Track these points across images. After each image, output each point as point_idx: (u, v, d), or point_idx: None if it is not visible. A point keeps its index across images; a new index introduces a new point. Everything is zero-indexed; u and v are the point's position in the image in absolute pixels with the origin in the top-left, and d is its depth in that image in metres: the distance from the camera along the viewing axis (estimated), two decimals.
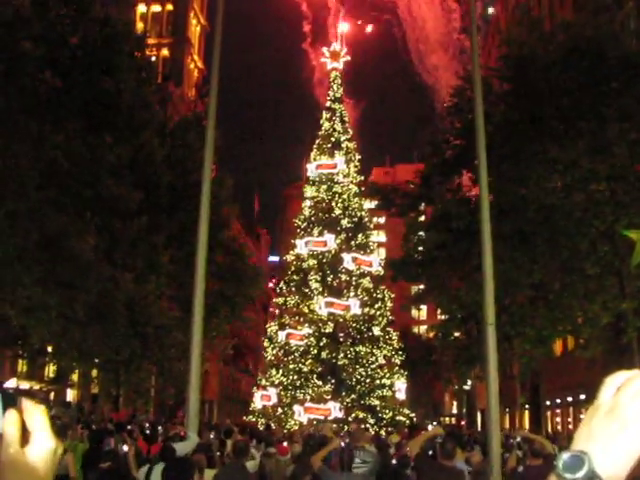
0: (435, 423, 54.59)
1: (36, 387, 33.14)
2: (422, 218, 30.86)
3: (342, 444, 12.71)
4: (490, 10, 66.14)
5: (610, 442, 1.05)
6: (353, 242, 39.00)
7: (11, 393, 1.18)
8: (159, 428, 21.44)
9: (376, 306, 38.23)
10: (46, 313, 22.81)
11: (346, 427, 29.08)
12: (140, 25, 66.78)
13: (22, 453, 1.15)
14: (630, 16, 30.03)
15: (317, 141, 41.44)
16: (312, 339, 36.82)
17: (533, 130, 23.58)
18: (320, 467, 9.47)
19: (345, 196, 39.79)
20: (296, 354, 36.70)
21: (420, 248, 29.66)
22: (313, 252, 38.66)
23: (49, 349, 27.98)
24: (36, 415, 1.19)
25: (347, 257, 38.27)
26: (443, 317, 31.01)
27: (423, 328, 76.62)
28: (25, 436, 1.17)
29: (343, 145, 40.85)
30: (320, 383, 35.92)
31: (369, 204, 41.51)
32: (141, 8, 78.23)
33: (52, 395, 35.86)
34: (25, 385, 31.49)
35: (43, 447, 1.17)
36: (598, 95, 22.29)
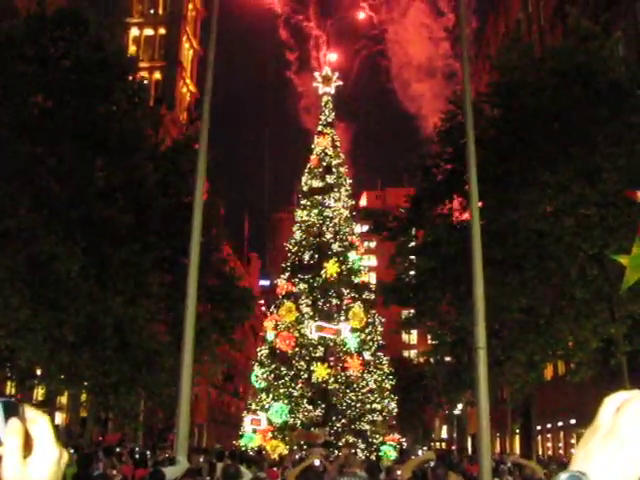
0: (425, 448, 54.40)
1: None
2: (413, 243, 30.86)
3: (317, 462, 12.64)
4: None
5: (609, 463, 1.05)
6: (344, 266, 38.96)
7: (14, 402, 1.15)
8: (147, 452, 21.33)
9: (367, 330, 38.14)
10: (34, 335, 22.67)
11: (336, 452, 28.93)
12: (133, 49, 67.02)
13: (24, 465, 1.13)
14: (619, 43, 30.33)
15: (308, 165, 41.54)
16: (302, 363, 36.69)
17: (524, 155, 23.68)
18: None
19: (336, 220, 39.82)
20: (286, 378, 36.54)
21: (411, 272, 29.67)
22: (304, 276, 38.62)
23: (38, 371, 27.78)
24: (40, 424, 1.17)
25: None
26: (433, 342, 30.96)
27: (414, 352, 76.51)
28: (28, 446, 1.14)
29: (334, 169, 40.95)
30: (310, 407, 35.76)
31: (360, 228, 41.58)
32: (134, 32, 78.52)
33: None
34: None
35: (47, 457, 1.15)
36: (588, 120, 22.42)
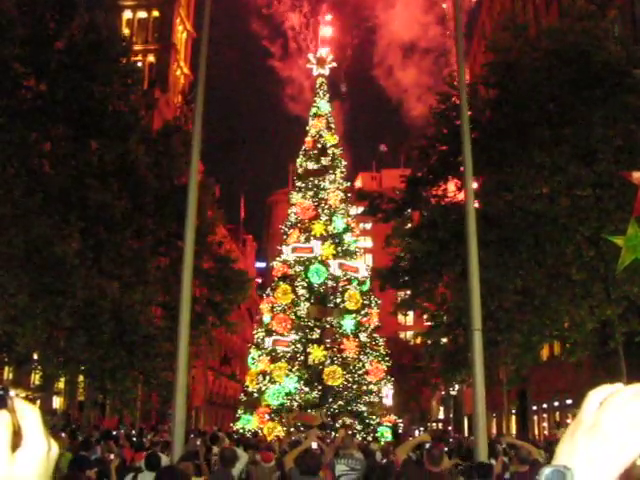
0: (422, 429, 54.65)
1: (22, 394, 32.87)
2: (409, 225, 30.84)
3: (314, 445, 12.69)
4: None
5: (592, 457, 1.05)
6: (339, 248, 38.98)
7: (1, 394, 1.13)
8: (147, 436, 21.38)
9: (362, 312, 38.20)
10: (32, 320, 22.69)
11: (333, 433, 29.03)
12: (126, 31, 66.62)
13: (12, 459, 1.10)
14: (614, 23, 30.21)
15: (303, 147, 41.45)
16: (299, 345, 36.75)
17: (519, 136, 23.64)
18: (291, 468, 9.40)
19: (331, 202, 39.77)
20: (283, 360, 36.60)
21: (407, 255, 29.64)
22: (299, 258, 38.62)
23: (35, 356, 27.83)
24: (29, 416, 1.14)
25: (333, 263, 38.27)
26: (429, 323, 31.02)
27: (410, 333, 76.71)
28: (17, 439, 1.11)
29: (329, 151, 40.86)
30: (307, 389, 35.85)
31: (355, 210, 41.52)
32: (127, 14, 78.13)
33: (38, 402, 35.65)
34: (11, 392, 31.17)
35: (36, 451, 1.12)
36: (583, 101, 22.37)
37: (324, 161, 40.48)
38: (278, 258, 39.90)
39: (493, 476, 10.08)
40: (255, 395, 36.76)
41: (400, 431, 36.08)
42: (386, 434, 33.91)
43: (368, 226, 71.67)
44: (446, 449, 15.45)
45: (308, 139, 41.39)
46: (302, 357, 36.62)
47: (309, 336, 37.00)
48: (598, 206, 22.20)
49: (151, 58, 75.97)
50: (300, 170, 41.03)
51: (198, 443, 18.42)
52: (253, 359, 38.27)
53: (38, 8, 25.40)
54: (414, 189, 28.56)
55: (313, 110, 42.24)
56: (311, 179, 40.29)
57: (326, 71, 43.21)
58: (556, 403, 39.10)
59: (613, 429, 1.04)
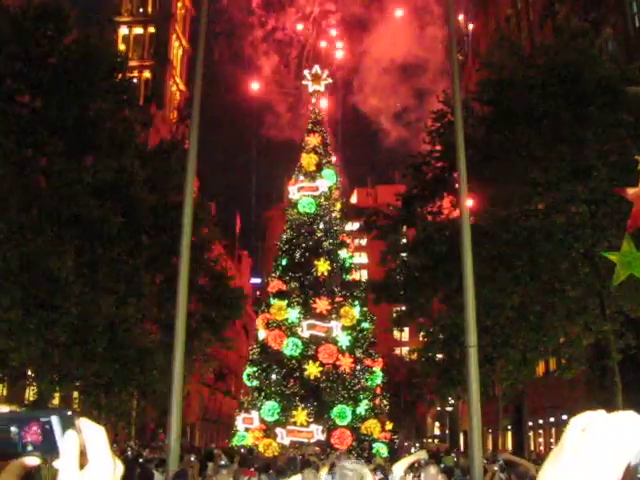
0: (418, 445, 54.50)
1: (16, 411, 32.59)
2: (404, 240, 30.90)
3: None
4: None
5: None
6: (335, 264, 38.94)
7: (69, 415, 1.18)
8: (143, 453, 21.31)
9: (358, 328, 38.14)
10: (26, 335, 22.61)
11: (328, 450, 28.95)
12: (122, 47, 66.80)
13: (81, 477, 1.14)
14: (607, 41, 30.42)
15: (299, 163, 41.50)
16: (294, 361, 36.67)
17: (513, 153, 23.72)
18: None
19: (327, 218, 39.78)
20: (278, 376, 36.51)
21: (402, 270, 29.69)
22: (295, 274, 38.59)
23: (29, 372, 27.68)
24: (94, 435, 1.18)
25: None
26: (425, 339, 31.00)
27: (405, 349, 76.65)
28: (84, 457, 1.16)
29: (325, 167, 40.92)
30: (303, 405, 35.73)
31: (351, 226, 41.54)
32: (123, 30, 78.36)
33: None
34: (5, 409, 30.99)
35: (102, 468, 1.17)
36: (577, 118, 22.47)
37: (319, 177, 40.53)
38: (273, 274, 39.85)
39: None
40: (251, 411, 36.64)
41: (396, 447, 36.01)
42: (382, 450, 33.80)
43: (363, 242, 71.73)
44: (442, 466, 15.42)
45: (304, 155, 41.44)
46: (297, 373, 36.53)
47: (304, 352, 36.92)
48: (593, 222, 22.26)
49: (147, 74, 76.12)
50: (296, 186, 41.06)
51: (192, 459, 18.38)
52: (248, 375, 38.16)
53: (31, 25, 25.44)
54: (409, 206, 28.65)
55: (309, 126, 42.34)
56: (306, 195, 40.32)
57: (322, 87, 43.32)
58: (552, 419, 39.06)
59: (594, 458, 1.05)
